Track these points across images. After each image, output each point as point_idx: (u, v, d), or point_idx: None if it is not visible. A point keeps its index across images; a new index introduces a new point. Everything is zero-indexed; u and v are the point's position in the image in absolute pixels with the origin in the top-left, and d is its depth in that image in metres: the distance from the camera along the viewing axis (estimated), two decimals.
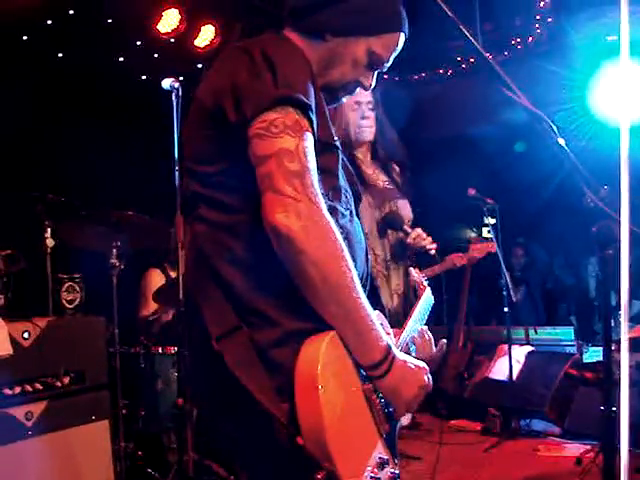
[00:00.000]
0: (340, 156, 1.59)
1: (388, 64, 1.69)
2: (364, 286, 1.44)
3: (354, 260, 1.41)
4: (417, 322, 1.94)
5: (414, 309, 1.99)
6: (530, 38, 6.30)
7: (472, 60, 6.38)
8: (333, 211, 1.43)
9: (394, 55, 1.68)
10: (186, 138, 1.60)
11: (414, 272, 2.39)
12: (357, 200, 1.67)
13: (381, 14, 1.62)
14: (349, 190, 1.62)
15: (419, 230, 3.30)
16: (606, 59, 4.99)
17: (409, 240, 3.28)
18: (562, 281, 8.26)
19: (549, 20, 6.14)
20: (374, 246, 3.28)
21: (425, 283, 2.30)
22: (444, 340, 1.95)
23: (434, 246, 3.33)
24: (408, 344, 1.80)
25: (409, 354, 1.63)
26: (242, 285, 1.42)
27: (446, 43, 6.13)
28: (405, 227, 3.29)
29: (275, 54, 1.46)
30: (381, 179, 3.43)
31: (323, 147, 1.49)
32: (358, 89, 1.72)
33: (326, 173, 1.48)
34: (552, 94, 5.71)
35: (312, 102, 1.44)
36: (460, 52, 6.49)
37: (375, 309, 1.46)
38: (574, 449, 4.67)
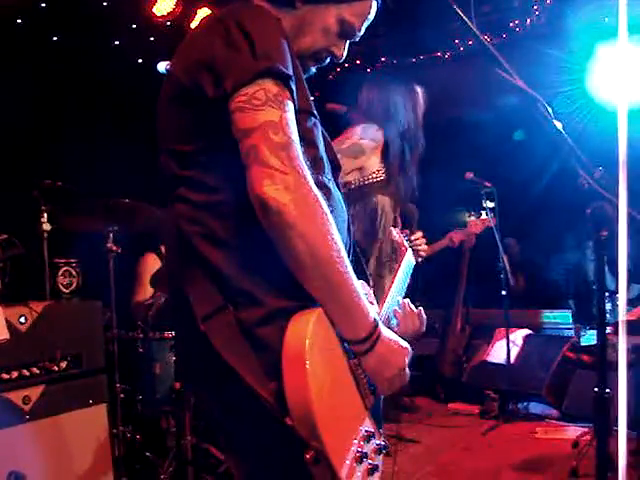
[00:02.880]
0: (319, 125, 1.57)
1: (360, 33, 1.66)
2: (347, 256, 1.42)
3: (338, 231, 1.37)
4: (400, 286, 1.90)
5: (396, 273, 1.95)
6: (528, 20, 6.25)
7: (470, 43, 6.34)
8: (318, 183, 1.40)
9: (366, 24, 1.65)
10: (160, 116, 1.55)
11: (395, 232, 2.31)
12: (336, 170, 1.64)
13: None
14: (329, 160, 1.59)
15: (421, 233, 3.32)
16: (604, 42, 4.96)
17: (412, 238, 3.30)
18: (560, 265, 8.26)
19: (547, 2, 6.10)
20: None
21: (407, 244, 2.23)
22: (421, 308, 1.85)
23: (424, 254, 3.34)
24: (389, 317, 1.76)
25: (390, 328, 1.60)
26: (226, 265, 1.39)
27: (444, 26, 6.08)
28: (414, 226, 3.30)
29: (250, 24, 1.41)
30: None
31: (303, 116, 1.47)
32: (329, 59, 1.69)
33: (308, 143, 1.46)
34: (550, 77, 5.68)
35: (291, 71, 1.42)
36: (458, 35, 6.45)
37: (359, 279, 1.43)
38: (571, 432, 4.70)
